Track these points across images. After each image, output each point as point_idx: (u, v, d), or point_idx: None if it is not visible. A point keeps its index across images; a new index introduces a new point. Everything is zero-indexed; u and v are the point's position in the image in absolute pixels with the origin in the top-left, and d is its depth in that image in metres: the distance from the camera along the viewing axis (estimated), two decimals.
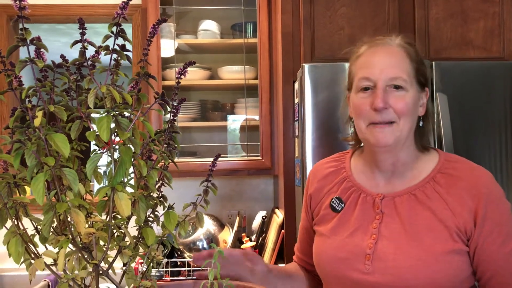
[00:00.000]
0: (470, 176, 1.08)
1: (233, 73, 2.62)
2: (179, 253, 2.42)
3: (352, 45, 2.15)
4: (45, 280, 2.30)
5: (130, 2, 2.46)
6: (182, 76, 0.75)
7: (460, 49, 2.13)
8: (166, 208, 0.66)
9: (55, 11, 2.81)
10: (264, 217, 2.48)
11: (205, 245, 2.36)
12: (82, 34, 0.62)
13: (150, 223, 0.65)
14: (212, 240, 2.38)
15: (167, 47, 2.58)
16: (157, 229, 0.70)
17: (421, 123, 1.13)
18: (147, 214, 0.68)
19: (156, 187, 0.72)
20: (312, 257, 1.25)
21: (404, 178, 1.12)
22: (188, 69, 2.49)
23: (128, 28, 3.00)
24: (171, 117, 0.72)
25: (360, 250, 1.08)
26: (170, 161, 0.70)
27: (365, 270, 1.06)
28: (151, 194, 0.69)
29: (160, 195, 0.74)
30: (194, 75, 2.59)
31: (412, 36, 1.11)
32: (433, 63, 1.95)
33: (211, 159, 0.83)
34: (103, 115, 0.56)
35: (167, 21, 2.60)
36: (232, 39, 2.66)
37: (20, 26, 0.58)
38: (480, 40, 2.12)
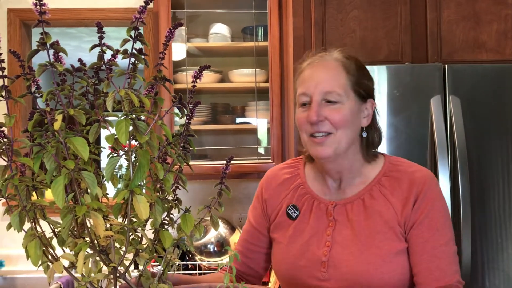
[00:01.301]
0: (412, 177, 1.13)
1: (243, 76, 2.62)
2: (190, 256, 2.42)
3: (364, 48, 2.14)
4: (57, 283, 2.32)
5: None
6: (194, 80, 0.75)
7: (472, 51, 2.11)
8: (181, 211, 0.67)
9: (66, 15, 2.84)
10: None
11: (216, 248, 2.36)
12: (101, 38, 0.62)
13: (165, 226, 0.65)
14: (223, 243, 2.38)
15: (178, 50, 2.59)
16: (172, 231, 0.70)
17: (364, 134, 1.17)
18: (163, 217, 0.68)
19: (171, 190, 0.72)
20: (254, 259, 1.28)
21: (353, 185, 1.17)
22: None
23: None
24: (187, 120, 0.72)
25: (316, 257, 1.12)
26: (186, 164, 0.70)
27: (322, 277, 1.11)
28: (167, 197, 0.69)
29: (175, 198, 0.74)
30: (205, 78, 2.60)
31: (351, 52, 1.16)
32: (446, 65, 1.94)
33: (222, 162, 0.83)
34: (122, 118, 0.56)
35: None
36: (243, 42, 2.66)
37: (40, 30, 0.58)
38: (493, 43, 2.11)
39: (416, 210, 1.10)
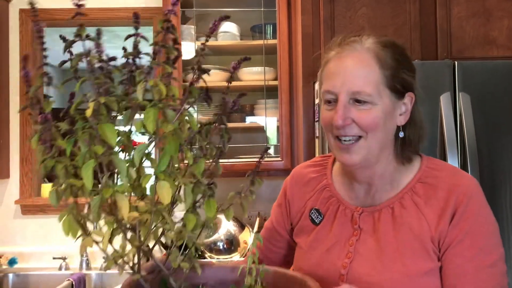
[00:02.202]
0: (451, 185, 0.98)
1: (252, 75, 2.63)
2: (199, 253, 2.44)
3: None
4: (68, 280, 2.34)
5: (150, 5, 2.51)
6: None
7: (483, 48, 2.12)
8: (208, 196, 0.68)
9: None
10: None
11: (225, 245, 2.38)
12: (136, 28, 0.65)
13: (197, 209, 0.67)
14: (232, 241, 2.40)
15: (187, 49, 2.61)
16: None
17: (401, 133, 1.02)
18: (197, 199, 0.69)
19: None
20: (270, 259, 1.21)
21: (383, 190, 1.04)
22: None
23: (148, 32, 3.04)
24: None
25: (335, 269, 1.02)
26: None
27: None
28: (200, 181, 0.70)
29: (211, 183, 0.73)
30: (214, 77, 2.61)
31: (388, 41, 1.02)
32: (455, 62, 1.94)
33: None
34: (150, 107, 0.58)
35: (187, 24, 2.63)
36: (252, 40, 2.68)
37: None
38: (504, 39, 2.11)
39: (455, 226, 0.95)
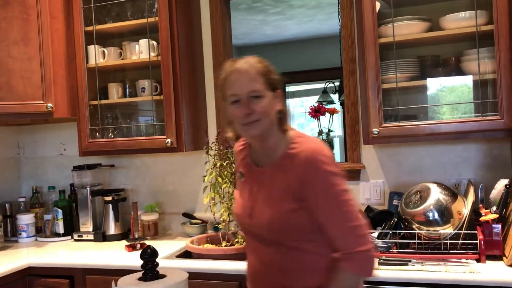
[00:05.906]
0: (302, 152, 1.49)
1: (458, 22, 2.27)
2: (406, 223, 2.23)
3: None
4: None
5: None
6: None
7: None
8: None
9: None
10: (507, 186, 2.11)
11: (436, 216, 2.12)
12: None
13: None
14: (444, 211, 2.13)
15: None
16: None
17: (281, 114, 1.55)
18: None
19: None
20: None
21: (270, 157, 1.56)
22: (404, 22, 2.21)
23: None
24: None
25: (246, 207, 1.60)
26: None
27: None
28: None
29: None
30: (411, 29, 2.32)
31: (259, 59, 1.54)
32: None
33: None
34: None
35: None
36: None
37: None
38: None
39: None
